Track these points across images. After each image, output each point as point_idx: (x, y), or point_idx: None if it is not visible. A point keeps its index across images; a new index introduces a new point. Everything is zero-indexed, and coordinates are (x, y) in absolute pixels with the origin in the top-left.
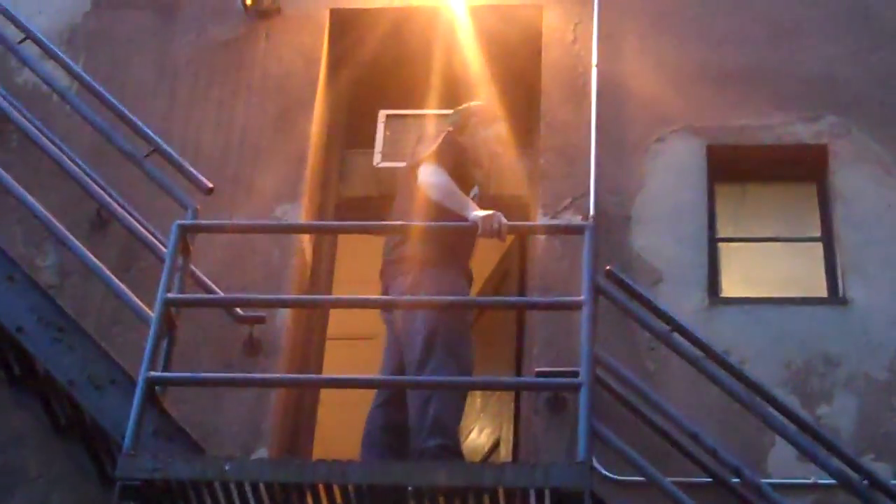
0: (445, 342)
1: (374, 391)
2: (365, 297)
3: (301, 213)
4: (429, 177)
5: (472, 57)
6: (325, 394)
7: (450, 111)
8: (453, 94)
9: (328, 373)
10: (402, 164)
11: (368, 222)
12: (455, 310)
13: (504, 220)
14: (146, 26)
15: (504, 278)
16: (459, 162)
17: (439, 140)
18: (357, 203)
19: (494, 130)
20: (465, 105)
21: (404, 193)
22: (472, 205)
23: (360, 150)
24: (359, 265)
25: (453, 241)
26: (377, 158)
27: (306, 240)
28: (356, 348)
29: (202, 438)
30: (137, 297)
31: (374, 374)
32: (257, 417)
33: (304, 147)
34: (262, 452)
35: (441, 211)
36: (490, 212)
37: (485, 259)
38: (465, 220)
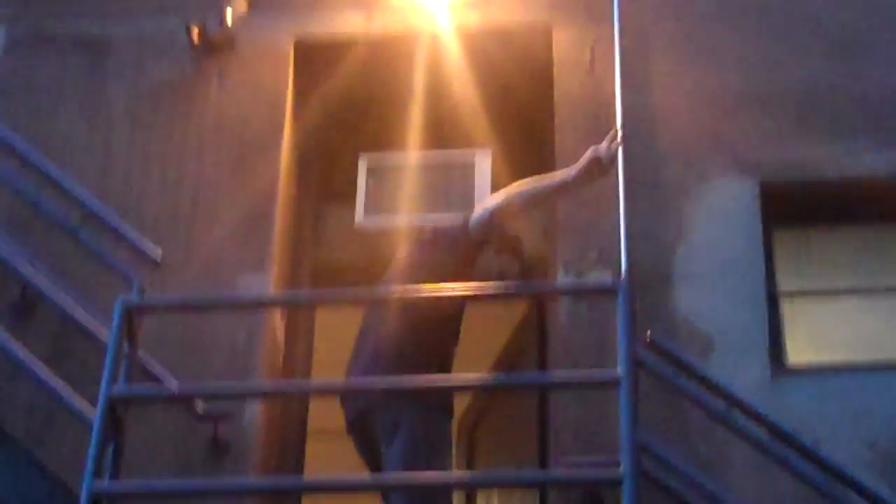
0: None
1: None
2: (351, 382)
3: (270, 284)
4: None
5: (466, 90)
6: (309, 500)
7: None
8: (446, 135)
9: (311, 475)
10: (390, 221)
11: (352, 291)
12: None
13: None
14: (73, 68)
15: (520, 354)
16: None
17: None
18: (338, 269)
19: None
20: None
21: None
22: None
23: (338, 206)
24: (341, 343)
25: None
26: (359, 214)
27: (277, 316)
28: (343, 444)
29: None
30: (75, 393)
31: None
32: None
33: (269, 204)
34: None
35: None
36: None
37: (494, 332)
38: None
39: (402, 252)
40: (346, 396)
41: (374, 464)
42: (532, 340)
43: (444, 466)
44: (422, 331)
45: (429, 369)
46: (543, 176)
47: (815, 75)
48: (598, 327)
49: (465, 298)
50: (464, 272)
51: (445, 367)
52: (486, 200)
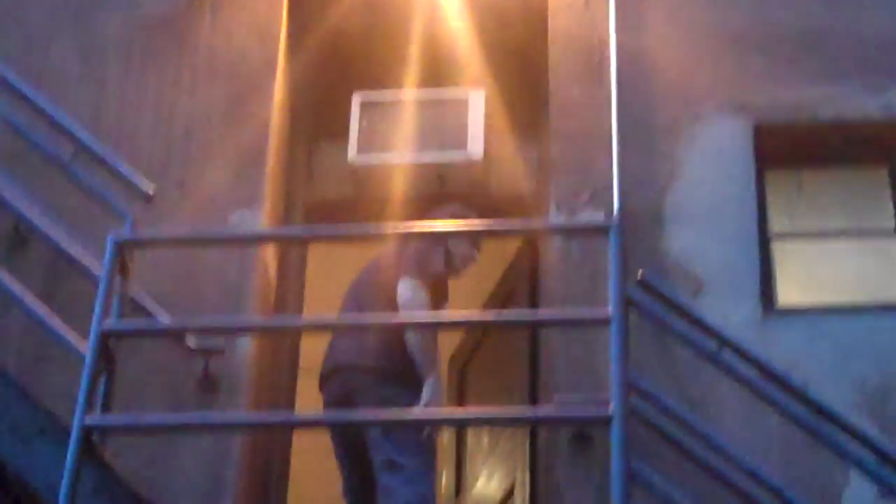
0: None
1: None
2: (342, 319)
3: (262, 221)
4: (409, 301)
5: (461, 27)
6: (299, 438)
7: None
8: (439, 72)
9: (301, 411)
10: (383, 160)
11: (344, 227)
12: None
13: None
14: (67, 2)
15: (511, 294)
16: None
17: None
18: (331, 206)
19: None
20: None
21: (370, 292)
22: (438, 370)
23: (331, 143)
24: (333, 281)
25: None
26: (352, 153)
27: (269, 252)
28: None
29: (153, 496)
30: (67, 327)
31: None
32: (218, 468)
33: (262, 140)
34: None
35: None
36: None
37: (486, 272)
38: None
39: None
40: (331, 378)
41: (349, 444)
42: (524, 279)
43: (430, 443)
44: None
45: None
46: (435, 355)
47: (811, 17)
48: (589, 267)
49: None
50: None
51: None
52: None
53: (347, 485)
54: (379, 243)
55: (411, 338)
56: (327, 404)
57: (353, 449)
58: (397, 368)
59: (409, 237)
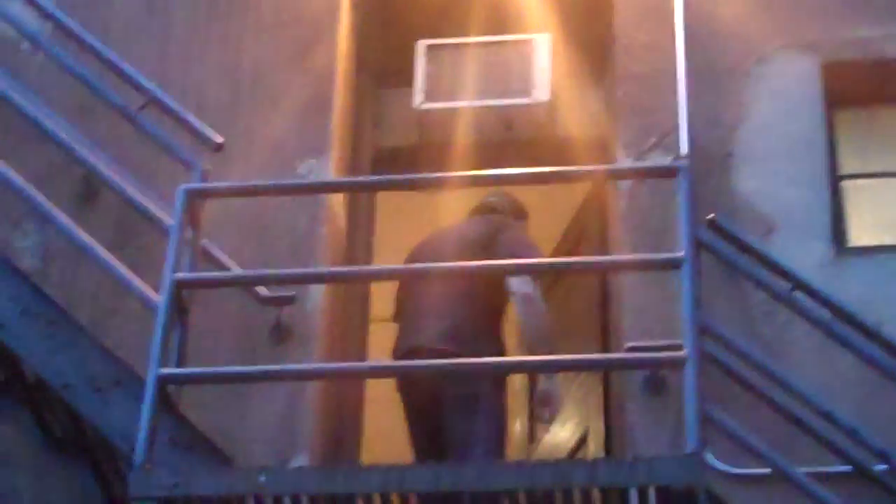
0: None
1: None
2: (413, 267)
3: (330, 170)
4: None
5: None
6: (371, 388)
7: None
8: (503, 16)
9: (373, 360)
10: (449, 105)
11: (413, 175)
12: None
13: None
14: None
15: (580, 238)
16: None
17: (525, 241)
18: (397, 153)
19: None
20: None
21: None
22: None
23: (397, 90)
24: (403, 229)
25: None
26: (419, 99)
27: (338, 201)
28: None
29: (227, 447)
30: (139, 279)
31: None
32: (292, 419)
33: (328, 89)
34: (300, 460)
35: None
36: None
37: (554, 215)
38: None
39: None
40: (414, 381)
41: (431, 435)
42: (594, 223)
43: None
44: (485, 305)
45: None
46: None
47: None
48: (658, 210)
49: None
50: None
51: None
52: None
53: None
54: (446, 189)
55: (532, 320)
56: (413, 405)
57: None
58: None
59: (476, 182)
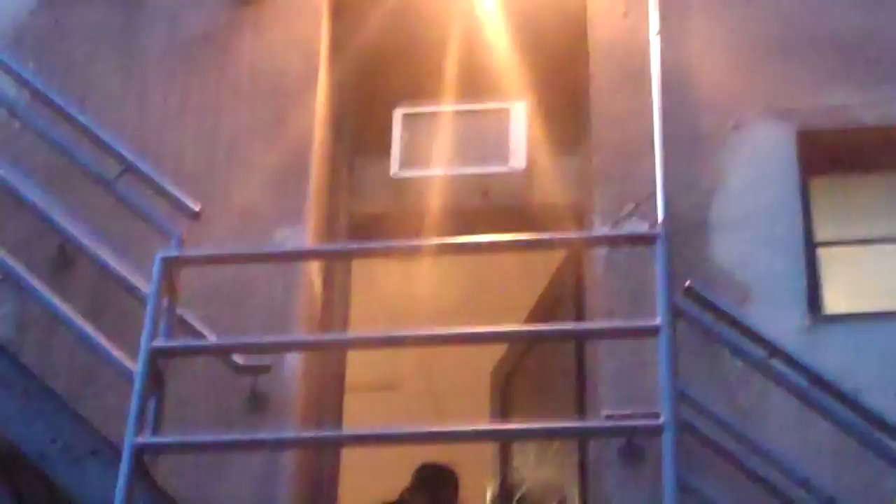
0: None
1: None
2: (389, 334)
3: (306, 237)
4: None
5: (499, 39)
6: (348, 456)
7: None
8: (480, 84)
9: (350, 427)
10: (425, 173)
11: (390, 243)
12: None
13: None
14: (107, 20)
15: (555, 306)
16: None
17: None
18: (373, 220)
19: None
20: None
21: None
22: None
23: (374, 157)
24: (379, 296)
25: None
26: (395, 167)
27: (315, 269)
28: (379, 400)
29: None
30: (115, 347)
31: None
32: (269, 487)
33: (305, 157)
34: None
35: None
36: None
37: (529, 284)
38: None
39: None
40: None
41: None
42: (569, 292)
43: None
44: None
45: None
46: None
47: (852, 22)
48: (634, 278)
49: None
50: None
51: None
52: None
53: None
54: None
55: None
56: None
57: None
58: None
59: (450, 250)
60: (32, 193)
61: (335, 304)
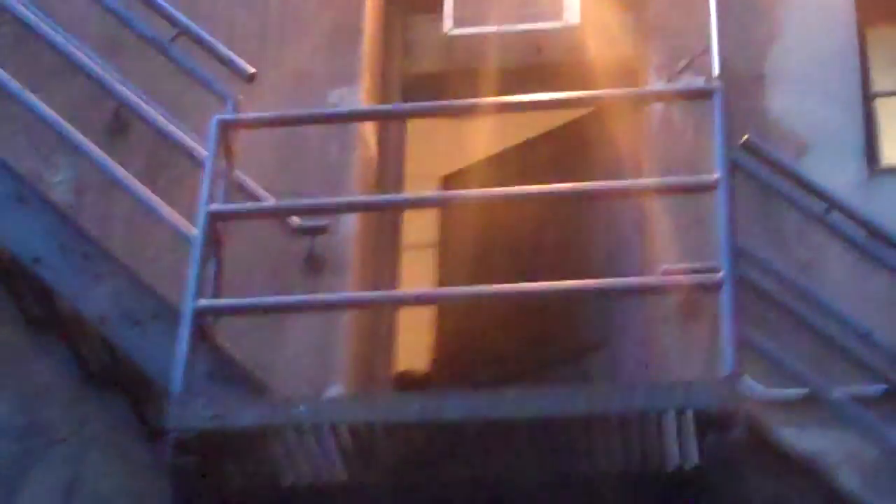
0: None
1: None
2: (443, 194)
3: (360, 98)
4: None
5: None
6: (404, 315)
7: None
8: None
9: (406, 288)
10: (478, 30)
11: (443, 102)
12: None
13: None
14: None
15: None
16: None
17: None
18: (427, 80)
19: None
20: None
21: None
22: None
23: (426, 16)
24: (433, 156)
25: None
26: (448, 24)
27: (369, 129)
28: (433, 258)
29: (262, 378)
30: (173, 211)
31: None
32: (326, 348)
33: (357, 16)
34: (335, 389)
35: None
36: None
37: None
38: None
39: None
40: None
41: None
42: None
43: None
44: None
45: None
46: None
47: None
48: (690, 133)
49: None
50: None
51: None
52: None
53: None
54: (476, 115)
55: None
56: None
57: None
58: None
59: (506, 108)
60: (87, 58)
61: (390, 163)
